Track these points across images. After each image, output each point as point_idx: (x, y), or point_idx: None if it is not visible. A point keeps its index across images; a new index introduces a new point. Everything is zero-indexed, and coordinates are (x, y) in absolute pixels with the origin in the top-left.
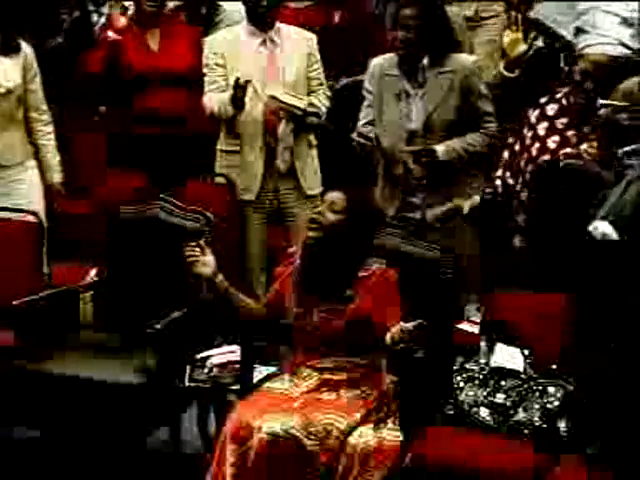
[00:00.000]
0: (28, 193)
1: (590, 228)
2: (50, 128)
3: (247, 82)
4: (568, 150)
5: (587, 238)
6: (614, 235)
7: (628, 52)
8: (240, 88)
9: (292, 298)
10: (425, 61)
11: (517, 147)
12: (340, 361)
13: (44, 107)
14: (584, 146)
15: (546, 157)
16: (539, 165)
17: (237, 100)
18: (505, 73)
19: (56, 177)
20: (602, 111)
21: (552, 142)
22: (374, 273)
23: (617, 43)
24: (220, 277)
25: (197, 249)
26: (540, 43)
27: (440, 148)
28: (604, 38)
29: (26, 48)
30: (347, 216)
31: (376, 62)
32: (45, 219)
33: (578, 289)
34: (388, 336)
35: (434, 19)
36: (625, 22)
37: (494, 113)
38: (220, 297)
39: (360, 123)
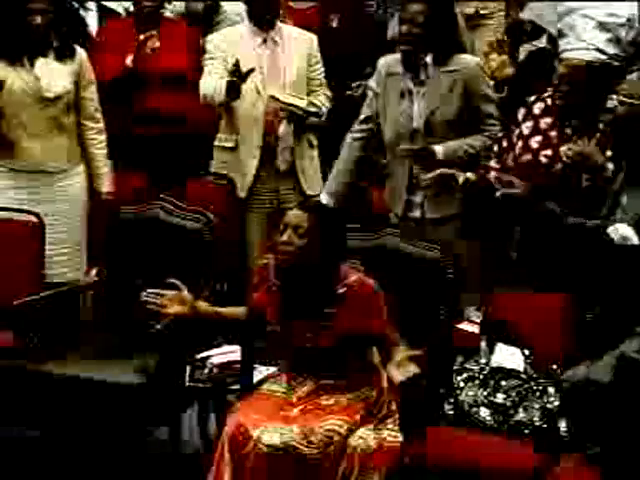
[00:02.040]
0: (72, 200)
1: (609, 230)
2: (103, 137)
3: (251, 70)
4: (549, 152)
5: (603, 240)
6: (635, 239)
7: (603, 57)
8: (237, 72)
9: (272, 314)
10: (428, 59)
11: (505, 144)
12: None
13: (98, 115)
14: (564, 148)
15: (528, 156)
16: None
17: (233, 87)
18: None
19: (104, 186)
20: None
21: (535, 142)
22: (353, 285)
23: (592, 48)
24: (200, 306)
25: (165, 292)
26: (529, 46)
27: (440, 148)
28: (581, 43)
29: (81, 54)
30: (313, 235)
31: (383, 61)
32: (86, 227)
33: (586, 290)
34: (397, 378)
35: (441, 17)
36: (601, 26)
37: (497, 115)
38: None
39: (357, 121)
